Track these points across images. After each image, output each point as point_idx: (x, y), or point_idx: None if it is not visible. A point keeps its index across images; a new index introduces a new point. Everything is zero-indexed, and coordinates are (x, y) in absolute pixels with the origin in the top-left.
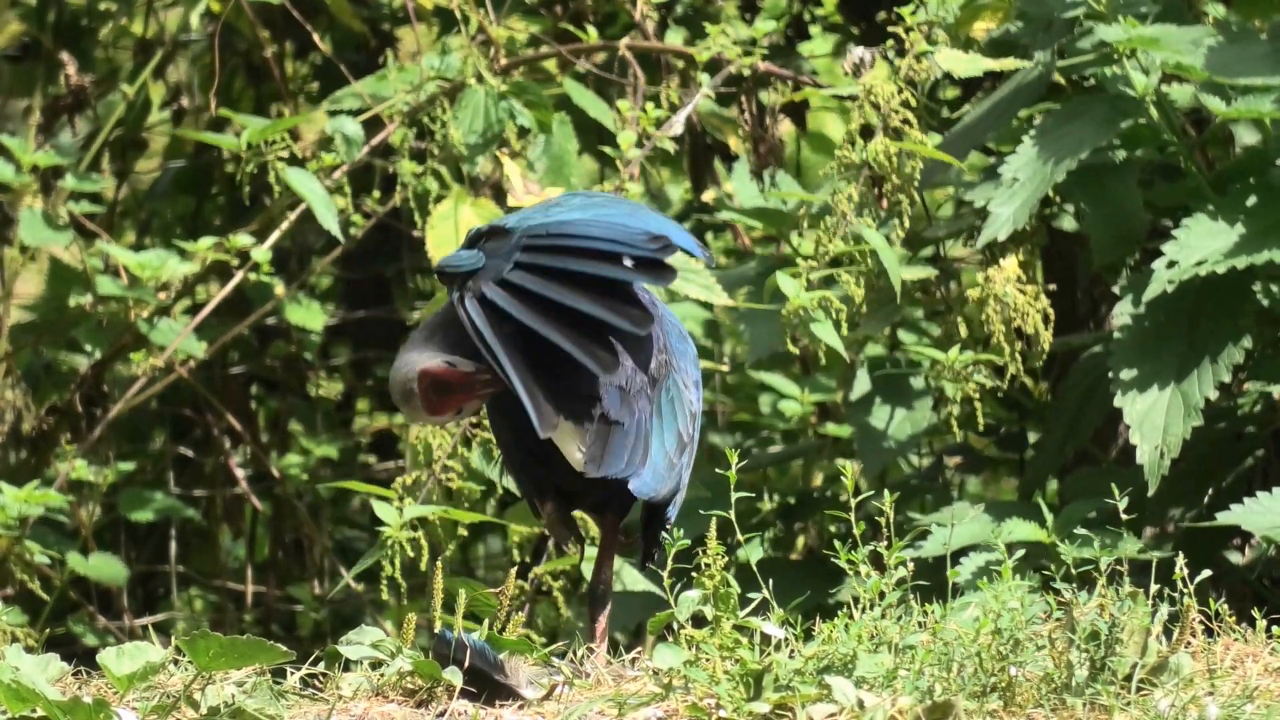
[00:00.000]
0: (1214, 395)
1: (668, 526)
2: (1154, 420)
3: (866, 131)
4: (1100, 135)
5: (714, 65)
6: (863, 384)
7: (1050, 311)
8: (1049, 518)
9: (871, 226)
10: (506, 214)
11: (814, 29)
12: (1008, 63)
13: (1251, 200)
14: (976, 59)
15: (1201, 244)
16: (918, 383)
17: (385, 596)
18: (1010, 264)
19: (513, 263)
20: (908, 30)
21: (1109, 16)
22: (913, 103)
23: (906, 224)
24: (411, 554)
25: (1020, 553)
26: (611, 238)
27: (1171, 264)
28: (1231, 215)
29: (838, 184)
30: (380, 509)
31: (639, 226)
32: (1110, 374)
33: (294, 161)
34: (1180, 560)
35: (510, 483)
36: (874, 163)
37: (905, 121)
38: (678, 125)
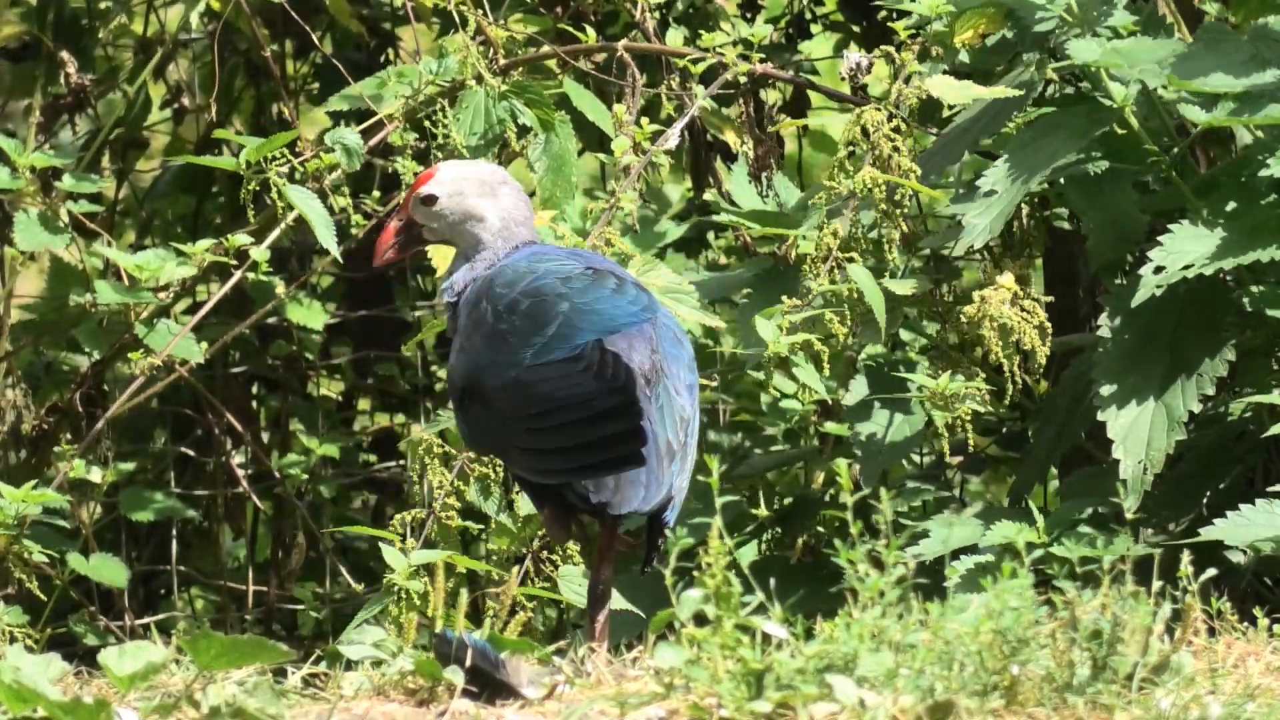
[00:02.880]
0: (1197, 408)
1: (665, 531)
2: (1138, 434)
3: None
4: (1074, 145)
5: (711, 71)
6: (860, 388)
7: (1048, 325)
8: (1039, 521)
9: (859, 261)
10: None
11: (815, 28)
12: (997, 91)
13: (1236, 204)
14: (969, 86)
15: (1187, 249)
16: (915, 384)
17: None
18: (1007, 280)
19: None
20: (899, 48)
21: (1083, 28)
22: (903, 128)
23: (894, 255)
24: (419, 602)
25: (1013, 554)
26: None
27: (1158, 269)
28: (1216, 219)
29: (823, 217)
30: (389, 554)
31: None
32: (1093, 386)
33: (294, 173)
34: (1186, 559)
35: (506, 517)
36: (860, 194)
37: (895, 149)
38: (673, 139)
